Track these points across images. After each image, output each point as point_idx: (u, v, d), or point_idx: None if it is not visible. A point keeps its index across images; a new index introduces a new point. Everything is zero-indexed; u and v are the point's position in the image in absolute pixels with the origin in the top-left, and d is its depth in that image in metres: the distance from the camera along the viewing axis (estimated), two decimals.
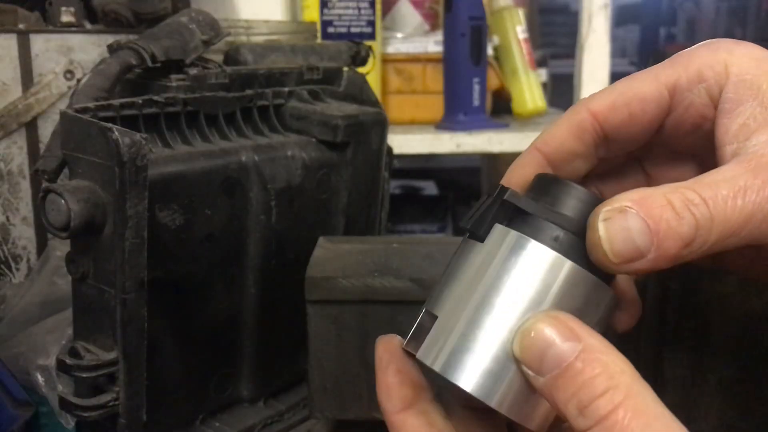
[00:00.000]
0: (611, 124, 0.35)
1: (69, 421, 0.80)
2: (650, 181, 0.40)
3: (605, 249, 0.30)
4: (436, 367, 0.32)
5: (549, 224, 0.32)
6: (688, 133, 0.36)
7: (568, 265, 0.32)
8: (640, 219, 0.29)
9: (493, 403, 0.31)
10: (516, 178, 0.37)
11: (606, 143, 0.37)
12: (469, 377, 0.31)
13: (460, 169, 2.81)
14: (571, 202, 0.33)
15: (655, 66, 0.36)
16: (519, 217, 0.33)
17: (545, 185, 0.34)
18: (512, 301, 0.31)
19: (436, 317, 0.33)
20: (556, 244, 0.32)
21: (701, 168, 0.37)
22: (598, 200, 0.32)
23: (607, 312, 0.33)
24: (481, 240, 0.33)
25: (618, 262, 0.30)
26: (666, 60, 0.36)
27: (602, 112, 0.35)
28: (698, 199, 0.30)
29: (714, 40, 0.35)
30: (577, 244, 0.32)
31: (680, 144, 0.37)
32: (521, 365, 0.30)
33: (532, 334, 0.30)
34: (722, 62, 0.34)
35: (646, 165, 0.40)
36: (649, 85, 0.35)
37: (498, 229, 0.33)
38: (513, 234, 0.32)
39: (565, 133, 0.36)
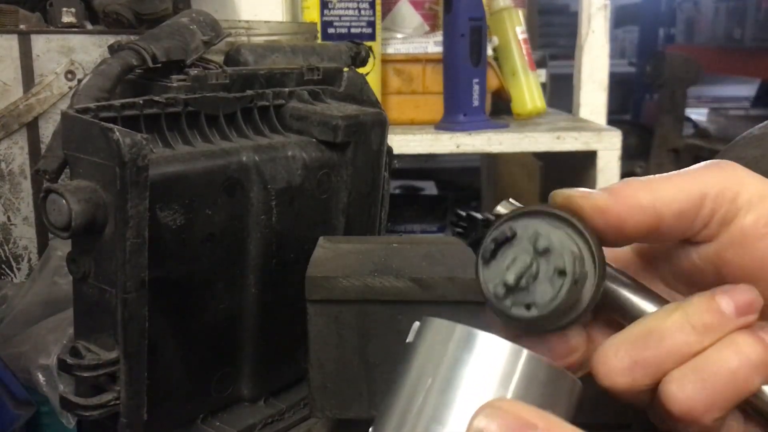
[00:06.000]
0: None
1: (70, 421, 0.80)
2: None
3: None
4: None
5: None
6: None
7: (525, 354, 0.29)
8: None
9: None
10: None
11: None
12: None
13: (459, 170, 2.81)
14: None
15: None
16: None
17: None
18: (470, 402, 0.28)
19: None
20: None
21: None
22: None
23: (572, 398, 0.30)
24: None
25: None
26: None
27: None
28: None
29: None
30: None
31: None
32: None
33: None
34: None
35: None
36: None
37: (437, 323, 0.30)
38: (460, 328, 0.29)
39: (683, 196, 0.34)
